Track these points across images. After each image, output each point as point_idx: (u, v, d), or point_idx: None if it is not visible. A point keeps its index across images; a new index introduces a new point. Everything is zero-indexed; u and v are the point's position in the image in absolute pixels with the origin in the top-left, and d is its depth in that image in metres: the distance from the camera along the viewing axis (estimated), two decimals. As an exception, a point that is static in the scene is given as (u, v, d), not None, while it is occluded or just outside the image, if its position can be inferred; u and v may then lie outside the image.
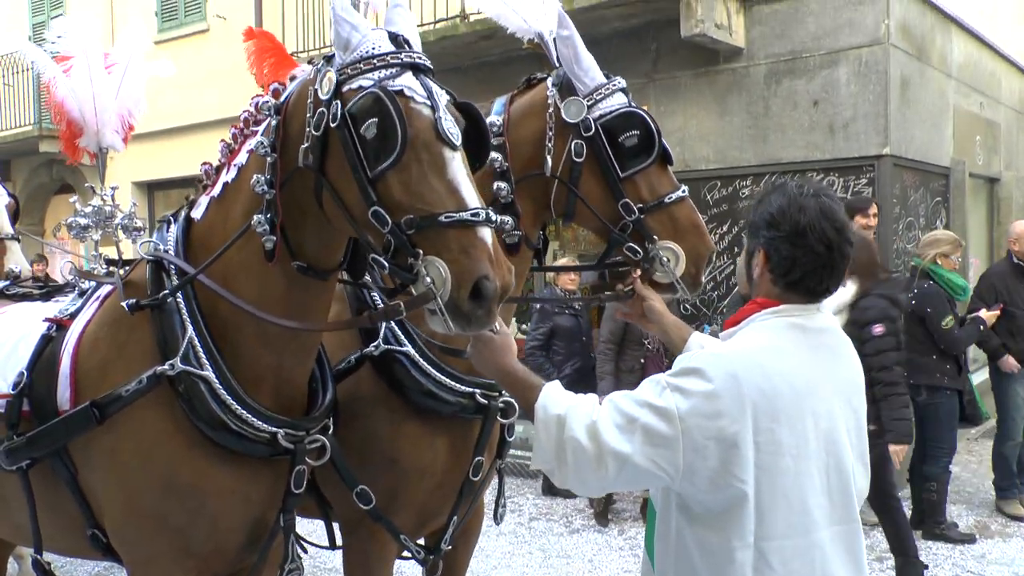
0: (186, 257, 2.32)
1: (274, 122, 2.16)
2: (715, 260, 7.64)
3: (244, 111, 2.32)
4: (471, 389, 2.64)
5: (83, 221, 3.30)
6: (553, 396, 1.90)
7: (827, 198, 1.91)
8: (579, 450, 1.80)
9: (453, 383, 2.62)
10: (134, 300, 2.25)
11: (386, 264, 1.91)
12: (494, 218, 1.90)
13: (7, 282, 3.22)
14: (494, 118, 2.65)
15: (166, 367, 2.16)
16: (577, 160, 2.55)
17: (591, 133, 2.54)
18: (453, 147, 1.95)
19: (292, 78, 2.28)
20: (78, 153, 3.54)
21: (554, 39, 2.73)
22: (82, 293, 2.62)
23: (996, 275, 6.71)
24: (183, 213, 2.44)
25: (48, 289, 3.13)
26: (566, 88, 2.61)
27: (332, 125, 1.96)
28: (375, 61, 1.99)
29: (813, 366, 1.88)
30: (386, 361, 2.62)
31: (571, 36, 2.61)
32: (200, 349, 2.18)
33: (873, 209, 6.26)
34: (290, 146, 2.12)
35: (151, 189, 13.08)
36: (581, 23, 2.95)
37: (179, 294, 2.25)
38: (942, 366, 5.98)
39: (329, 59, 2.10)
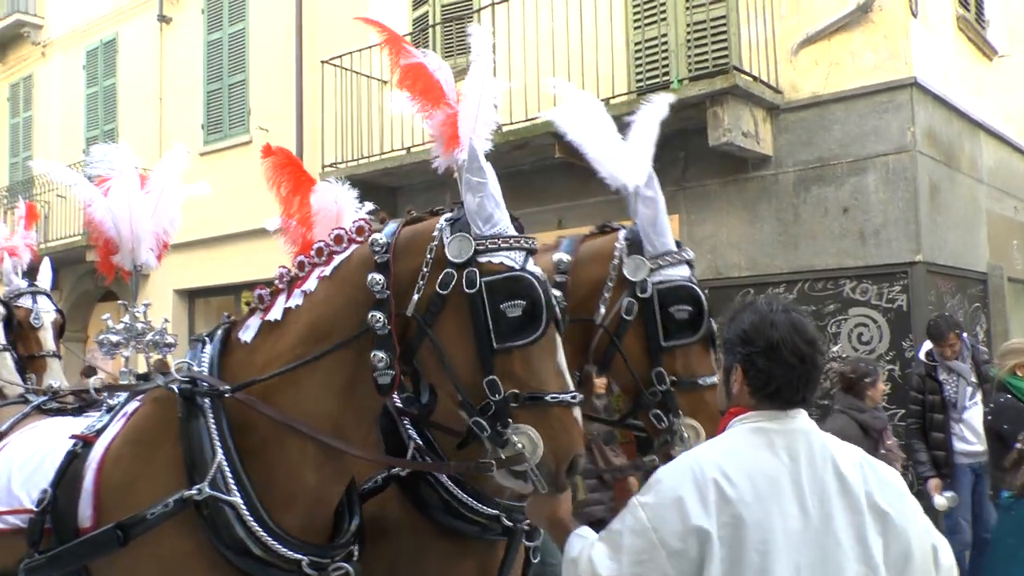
0: (221, 378, 2.32)
1: (380, 260, 2.22)
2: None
3: (320, 241, 2.37)
4: (496, 512, 2.62)
5: (114, 338, 3.36)
6: (574, 540, 2.02)
7: (796, 313, 2.01)
8: None
9: (479, 505, 2.61)
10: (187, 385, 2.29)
11: (487, 429, 2.06)
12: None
13: (46, 397, 3.28)
14: (563, 255, 2.72)
15: (194, 492, 2.15)
16: (626, 317, 2.62)
17: (647, 295, 2.61)
18: (560, 330, 2.17)
19: (382, 221, 2.37)
20: (112, 270, 3.63)
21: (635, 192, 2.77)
22: (110, 409, 2.63)
23: None
24: (219, 333, 2.46)
25: (81, 404, 3.17)
26: (635, 244, 2.69)
27: (467, 290, 2.08)
28: (512, 241, 2.16)
29: (775, 466, 1.88)
30: (413, 481, 2.61)
31: (655, 198, 2.69)
32: (228, 473, 2.17)
33: (949, 339, 6.21)
34: (393, 288, 2.20)
35: (191, 297, 13.34)
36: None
37: (210, 415, 2.24)
38: None
39: (452, 221, 2.20)
